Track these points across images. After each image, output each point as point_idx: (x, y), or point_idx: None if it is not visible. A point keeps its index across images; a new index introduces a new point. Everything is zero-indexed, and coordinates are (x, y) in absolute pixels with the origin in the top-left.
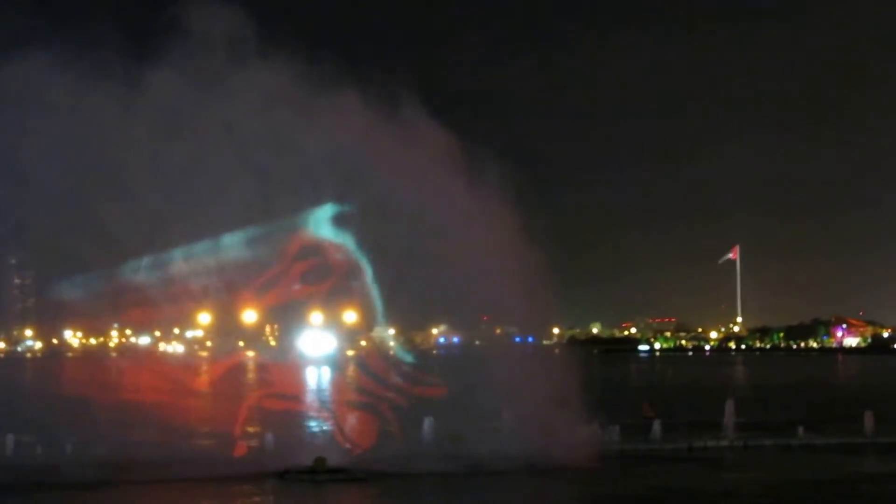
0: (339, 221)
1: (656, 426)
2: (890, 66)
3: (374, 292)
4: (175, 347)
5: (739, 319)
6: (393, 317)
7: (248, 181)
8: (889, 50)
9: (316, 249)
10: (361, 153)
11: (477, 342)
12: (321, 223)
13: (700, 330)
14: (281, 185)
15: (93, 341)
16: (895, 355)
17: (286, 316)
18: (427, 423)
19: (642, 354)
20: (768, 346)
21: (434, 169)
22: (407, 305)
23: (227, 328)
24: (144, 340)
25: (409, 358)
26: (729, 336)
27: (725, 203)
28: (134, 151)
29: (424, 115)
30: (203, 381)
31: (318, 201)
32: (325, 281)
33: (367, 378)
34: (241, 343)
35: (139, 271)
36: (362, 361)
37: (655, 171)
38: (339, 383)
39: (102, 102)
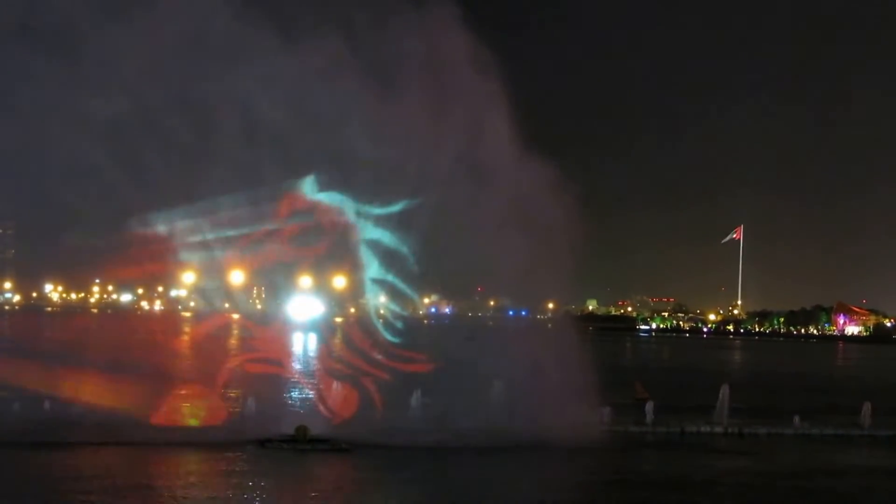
0: (334, 185)
1: (649, 408)
2: None
3: (366, 258)
4: (158, 306)
5: (739, 302)
6: (384, 284)
7: (245, 142)
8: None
9: (308, 211)
10: (366, 115)
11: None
12: (314, 185)
13: (699, 311)
14: (276, 145)
15: (73, 297)
16: None
17: (274, 279)
18: (414, 396)
19: (643, 334)
20: (768, 331)
21: (434, 140)
22: (400, 273)
23: (211, 289)
24: (126, 298)
25: (398, 325)
26: (728, 319)
27: (730, 183)
28: (125, 104)
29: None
30: (184, 342)
31: (312, 164)
32: (316, 244)
33: (352, 348)
34: (226, 304)
35: (124, 227)
36: (348, 332)
37: (658, 149)
38: (324, 351)
39: (99, 53)
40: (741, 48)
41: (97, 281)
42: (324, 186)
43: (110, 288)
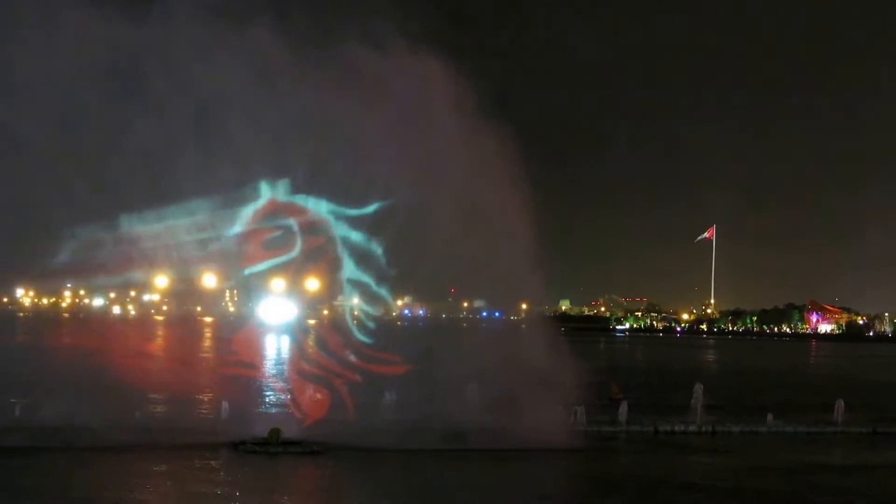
0: (307, 187)
1: (623, 408)
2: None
3: (340, 261)
4: (130, 310)
5: (712, 301)
6: (358, 286)
7: (217, 145)
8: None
9: (282, 214)
10: (334, 116)
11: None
12: (288, 187)
13: (672, 311)
14: (248, 148)
15: (45, 301)
16: (869, 343)
17: (247, 281)
18: (387, 397)
19: (618, 334)
20: (741, 330)
21: (407, 138)
22: (374, 275)
23: (184, 293)
24: (98, 302)
25: (370, 325)
26: (701, 318)
27: (702, 183)
28: (96, 108)
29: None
30: (157, 345)
31: (286, 167)
32: (290, 246)
33: (326, 351)
34: (198, 308)
35: (96, 231)
36: (321, 334)
37: (630, 150)
38: (297, 353)
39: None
40: (713, 49)
41: (69, 286)
42: (297, 189)
43: (82, 292)
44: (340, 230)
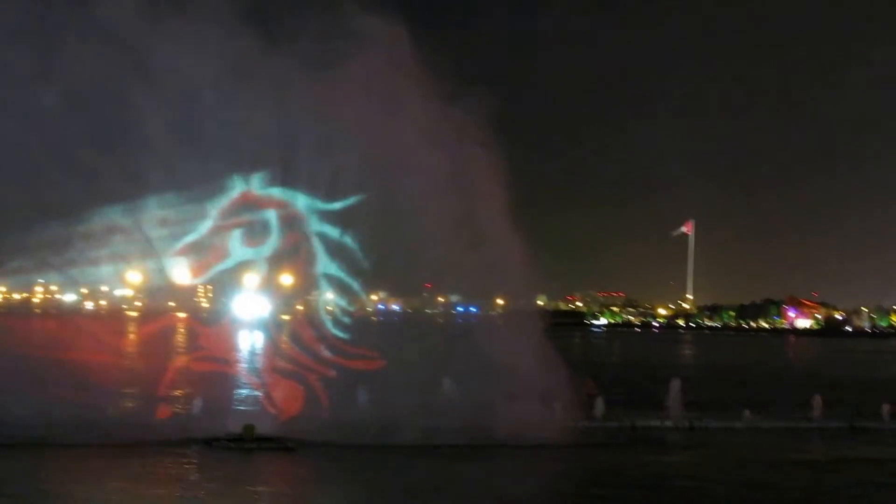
0: (283, 181)
1: (599, 404)
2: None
3: (315, 256)
4: (102, 306)
5: (690, 296)
6: (333, 281)
7: (191, 138)
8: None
9: (257, 208)
10: (307, 109)
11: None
12: (263, 181)
13: (649, 306)
14: (222, 142)
15: (16, 297)
16: (848, 338)
17: (221, 276)
18: (361, 393)
19: (595, 329)
20: (718, 325)
21: (381, 132)
22: (349, 269)
23: (157, 288)
24: (70, 298)
25: (345, 320)
26: (678, 313)
27: (679, 177)
28: (67, 99)
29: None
30: (130, 341)
31: (260, 161)
32: (264, 240)
33: (300, 346)
34: (171, 303)
35: (68, 226)
36: (295, 329)
37: (606, 143)
38: (270, 349)
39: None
40: (688, 43)
41: (40, 281)
42: (272, 182)
43: (54, 288)
44: (315, 225)
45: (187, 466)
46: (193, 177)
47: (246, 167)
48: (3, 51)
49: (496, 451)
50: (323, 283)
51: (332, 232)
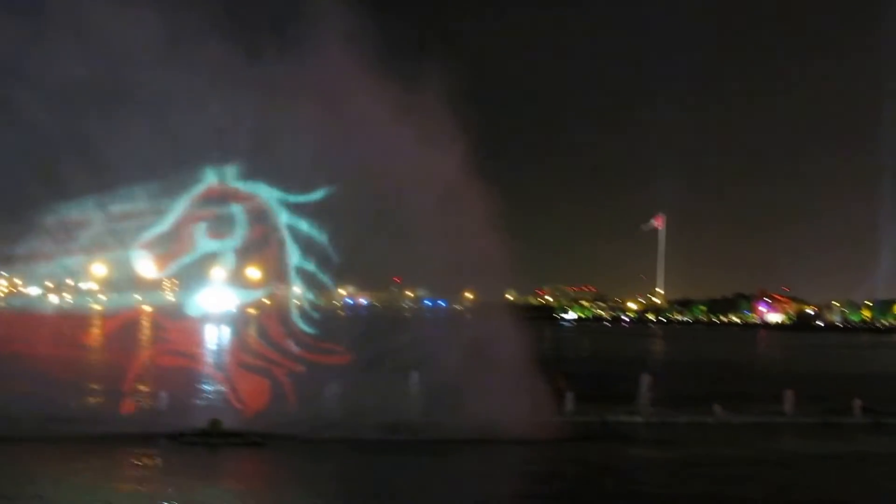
0: (252, 173)
1: (569, 399)
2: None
3: (283, 249)
4: (67, 299)
5: (660, 291)
6: (301, 274)
7: (158, 129)
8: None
9: (225, 200)
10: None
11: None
12: (232, 174)
13: (619, 300)
14: (189, 133)
15: None
16: (819, 333)
17: (187, 270)
18: (330, 387)
19: (565, 324)
20: (689, 320)
21: (349, 123)
22: (317, 263)
23: (122, 281)
24: (34, 291)
25: (314, 315)
26: (649, 308)
27: (650, 172)
28: (32, 87)
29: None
30: (94, 335)
31: (229, 152)
32: (232, 233)
33: (267, 341)
34: (137, 297)
35: (32, 219)
36: (263, 323)
37: (576, 137)
38: (238, 343)
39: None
40: (657, 41)
41: (3, 274)
42: (240, 174)
43: (17, 282)
44: (283, 217)
45: (152, 461)
46: (160, 169)
47: (214, 159)
48: None
49: (464, 447)
50: (292, 277)
51: (302, 224)
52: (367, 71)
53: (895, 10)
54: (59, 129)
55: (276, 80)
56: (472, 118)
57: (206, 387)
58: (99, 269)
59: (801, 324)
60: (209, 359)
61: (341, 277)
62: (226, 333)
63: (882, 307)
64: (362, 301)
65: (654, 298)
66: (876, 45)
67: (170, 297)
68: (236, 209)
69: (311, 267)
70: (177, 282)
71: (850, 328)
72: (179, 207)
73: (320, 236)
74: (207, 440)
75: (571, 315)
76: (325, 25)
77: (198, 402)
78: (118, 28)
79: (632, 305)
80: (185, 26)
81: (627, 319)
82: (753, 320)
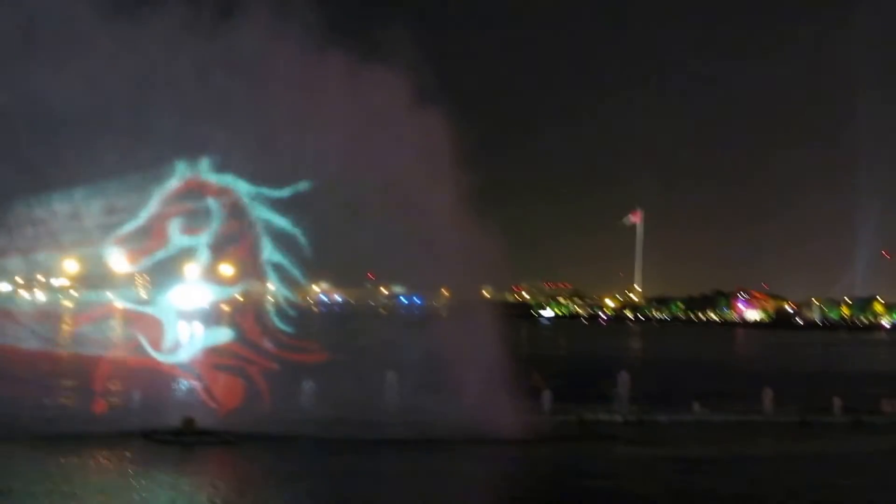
0: (226, 167)
1: (546, 397)
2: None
3: (257, 244)
4: (38, 296)
5: (638, 288)
6: (276, 271)
7: (132, 123)
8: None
9: (198, 195)
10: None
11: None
12: (205, 167)
13: (596, 297)
14: (163, 127)
15: None
16: (798, 331)
17: (160, 266)
18: (305, 386)
19: (544, 321)
20: (667, 317)
21: (328, 112)
22: (292, 259)
23: (94, 277)
24: (4, 288)
25: (290, 312)
26: (626, 305)
27: (627, 167)
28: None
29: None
30: (65, 331)
31: (203, 147)
32: (206, 228)
33: (242, 338)
34: (109, 293)
35: (2, 213)
36: (236, 320)
37: (551, 133)
38: (211, 340)
39: None
40: (633, 33)
41: None
42: (215, 168)
43: None
44: (258, 212)
45: (124, 460)
46: (135, 162)
47: (188, 153)
48: None
49: (439, 446)
50: (266, 273)
51: (276, 220)
52: (341, 65)
53: (863, 5)
54: (27, 121)
55: (251, 70)
56: (447, 114)
57: (179, 385)
58: (71, 265)
59: (779, 321)
60: (182, 356)
61: (315, 274)
62: (199, 330)
63: (861, 304)
64: (337, 298)
65: (631, 296)
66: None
67: (142, 293)
68: (210, 204)
69: (285, 263)
70: (149, 278)
71: (829, 326)
72: (152, 202)
73: (294, 232)
74: (180, 439)
75: (549, 313)
76: (295, 16)
77: (170, 400)
78: (84, 19)
79: (609, 303)
80: (157, 12)
81: (605, 317)
82: (732, 318)
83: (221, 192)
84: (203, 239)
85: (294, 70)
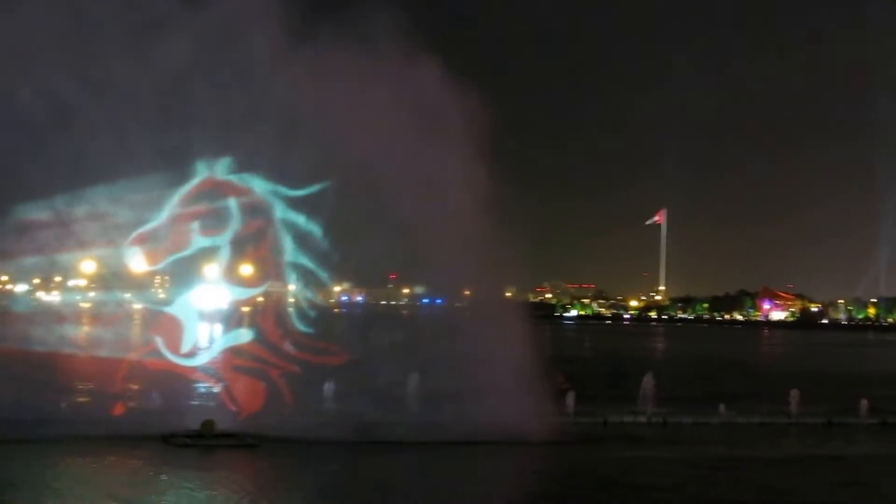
0: (245, 168)
1: (570, 398)
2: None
3: (278, 244)
4: (55, 296)
5: (662, 288)
6: (297, 271)
7: (152, 123)
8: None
9: (216, 195)
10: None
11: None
12: (226, 168)
13: (620, 298)
14: (185, 126)
15: None
16: (823, 331)
17: (179, 266)
18: (326, 388)
19: (567, 322)
20: (691, 317)
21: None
22: (314, 259)
23: (112, 278)
24: (21, 288)
25: (311, 313)
26: (650, 305)
27: (652, 166)
28: (20, 83)
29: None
30: (83, 333)
31: (223, 146)
32: (226, 229)
33: (262, 339)
34: (127, 294)
35: (19, 214)
36: (257, 321)
37: (575, 132)
38: (231, 342)
39: None
40: (656, 31)
41: None
42: (235, 168)
43: (4, 278)
44: (279, 212)
45: (142, 463)
46: (155, 162)
47: (208, 153)
48: None
49: (462, 449)
50: (288, 273)
51: (298, 220)
52: (366, 64)
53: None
54: (48, 121)
55: (272, 72)
56: (471, 116)
57: (199, 387)
58: (88, 265)
59: (805, 321)
60: (202, 358)
61: (336, 274)
62: (218, 332)
63: (888, 304)
64: (358, 298)
65: (655, 296)
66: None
67: (160, 293)
68: (230, 204)
69: (306, 263)
70: (167, 278)
71: (855, 326)
72: (173, 202)
73: (316, 231)
74: (200, 441)
75: (572, 313)
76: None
77: (190, 402)
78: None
79: (633, 303)
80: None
81: (628, 317)
82: (757, 318)
83: (242, 192)
84: (223, 239)
85: (319, 66)
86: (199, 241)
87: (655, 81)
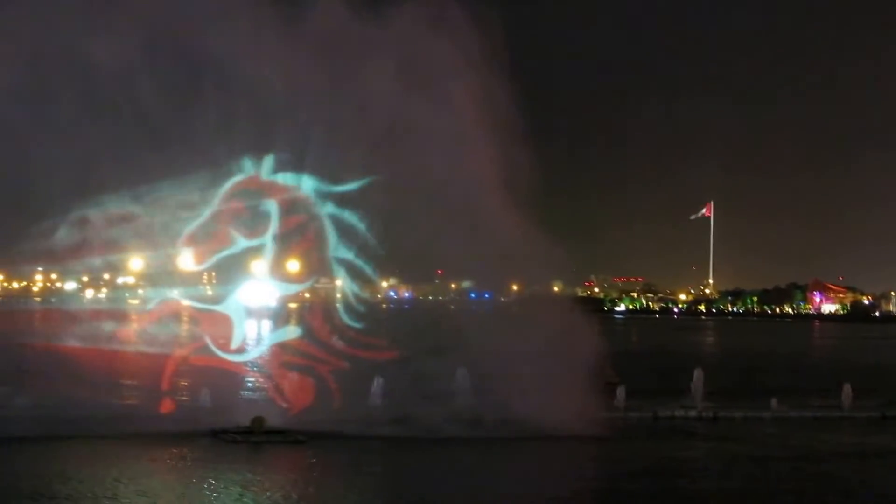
0: (291, 165)
1: (620, 392)
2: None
3: (324, 240)
4: (103, 294)
5: (711, 281)
6: (344, 267)
7: (197, 121)
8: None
9: (263, 192)
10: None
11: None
12: (271, 165)
13: (669, 291)
14: (229, 125)
15: (15, 285)
16: (875, 324)
17: (226, 263)
18: (375, 384)
19: (617, 316)
20: (741, 311)
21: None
22: (361, 255)
23: (160, 275)
24: (70, 286)
25: (359, 308)
26: (699, 298)
27: (699, 159)
28: (68, 83)
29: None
30: (132, 331)
31: (269, 143)
32: (271, 226)
33: (310, 335)
34: (175, 292)
35: (68, 213)
36: (305, 317)
37: (622, 124)
38: (280, 338)
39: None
40: (710, 22)
41: (40, 269)
42: (280, 166)
43: (53, 276)
44: (326, 208)
45: (192, 459)
46: (201, 160)
47: (256, 150)
48: None
49: (512, 444)
50: (335, 269)
51: (344, 215)
52: (410, 62)
53: None
54: (96, 120)
55: (319, 69)
56: (516, 108)
57: (248, 383)
58: (136, 263)
59: (856, 314)
60: (251, 355)
61: (384, 269)
62: (267, 328)
63: None
64: (405, 294)
65: (704, 289)
66: None
67: (208, 291)
68: (276, 201)
69: (354, 258)
70: (214, 275)
71: None
72: (220, 199)
73: (363, 227)
74: (249, 438)
75: (622, 307)
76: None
77: (240, 398)
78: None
79: (682, 296)
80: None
81: (677, 310)
82: (807, 311)
83: (286, 189)
84: (269, 236)
85: (365, 62)
86: (246, 237)
87: (705, 73)
